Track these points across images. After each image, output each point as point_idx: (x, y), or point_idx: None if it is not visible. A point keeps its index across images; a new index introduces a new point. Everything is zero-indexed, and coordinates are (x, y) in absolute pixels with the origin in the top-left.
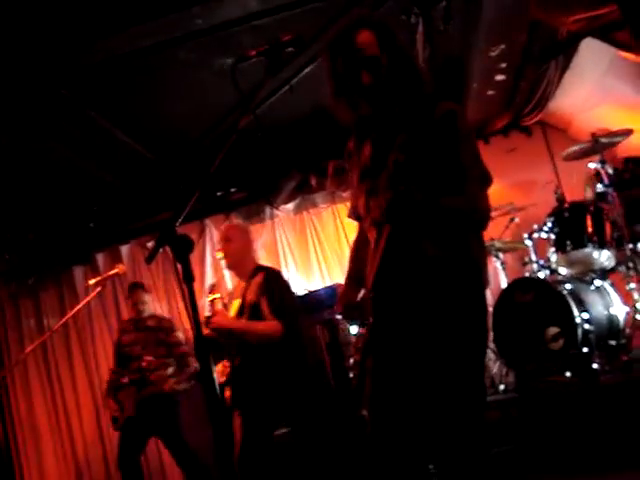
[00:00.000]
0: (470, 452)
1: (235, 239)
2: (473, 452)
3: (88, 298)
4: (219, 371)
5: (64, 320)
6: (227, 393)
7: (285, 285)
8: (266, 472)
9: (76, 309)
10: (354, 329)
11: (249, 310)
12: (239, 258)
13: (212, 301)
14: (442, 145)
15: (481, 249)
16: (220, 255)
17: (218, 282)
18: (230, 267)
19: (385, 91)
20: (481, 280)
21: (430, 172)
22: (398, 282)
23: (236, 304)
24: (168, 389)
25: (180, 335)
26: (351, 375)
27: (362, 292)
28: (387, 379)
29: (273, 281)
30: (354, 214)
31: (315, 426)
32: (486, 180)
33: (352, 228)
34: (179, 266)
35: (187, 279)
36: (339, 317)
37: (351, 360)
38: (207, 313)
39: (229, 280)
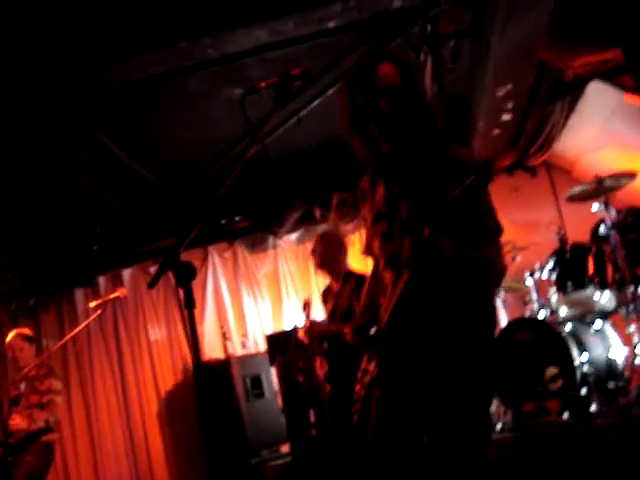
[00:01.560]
0: None
1: (322, 244)
2: None
3: (88, 321)
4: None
5: (63, 342)
6: (327, 387)
7: None
8: None
9: (75, 331)
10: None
11: (343, 313)
12: (326, 259)
13: (308, 304)
14: (458, 195)
15: (493, 298)
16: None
17: (219, 309)
18: (320, 268)
19: (401, 122)
20: (493, 327)
21: (446, 221)
22: (413, 323)
23: (330, 305)
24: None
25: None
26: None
27: (374, 328)
28: (396, 408)
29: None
30: (368, 251)
31: None
32: (499, 231)
33: (355, 261)
34: (181, 292)
35: (188, 305)
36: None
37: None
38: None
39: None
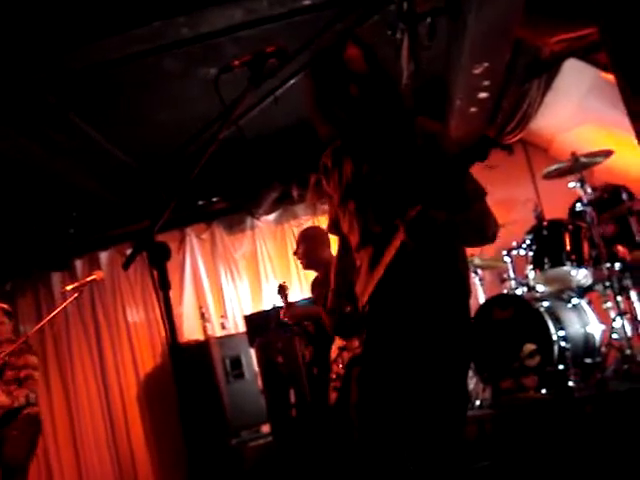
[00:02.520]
0: (450, 459)
1: (303, 242)
2: (453, 459)
3: (65, 304)
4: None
5: (40, 325)
6: (315, 370)
7: None
8: None
9: (52, 315)
10: (338, 342)
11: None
12: (311, 259)
13: (284, 289)
14: (435, 164)
15: (465, 259)
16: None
17: (198, 291)
18: (307, 268)
19: (369, 106)
20: (468, 291)
21: (429, 191)
22: (398, 296)
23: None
24: None
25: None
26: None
27: (348, 308)
28: (378, 385)
29: None
30: (334, 228)
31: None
32: (483, 193)
33: (333, 241)
34: (155, 273)
35: (163, 286)
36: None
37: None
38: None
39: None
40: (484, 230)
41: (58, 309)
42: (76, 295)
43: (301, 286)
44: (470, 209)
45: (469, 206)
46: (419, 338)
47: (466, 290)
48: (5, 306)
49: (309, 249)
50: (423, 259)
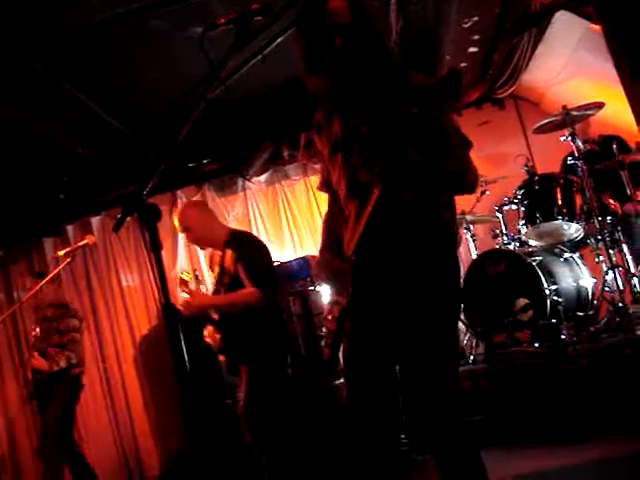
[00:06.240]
0: (449, 413)
1: (190, 217)
2: (452, 413)
3: (58, 269)
4: (208, 336)
5: (33, 291)
6: (222, 358)
7: (258, 248)
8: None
9: (46, 280)
10: (328, 298)
11: (229, 279)
12: (202, 234)
13: (185, 282)
14: (421, 115)
15: (452, 208)
16: (182, 235)
17: (191, 253)
18: (196, 243)
19: (355, 57)
20: (456, 240)
21: (411, 140)
22: (383, 245)
23: (216, 271)
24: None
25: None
26: (323, 344)
27: (337, 261)
28: (367, 339)
29: (246, 247)
30: (325, 186)
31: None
32: (467, 144)
33: (324, 200)
34: (147, 234)
35: (154, 247)
36: (316, 287)
37: (324, 329)
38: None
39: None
40: (463, 179)
41: (52, 274)
42: (69, 260)
43: (294, 246)
44: (450, 157)
45: (450, 154)
46: (406, 288)
47: (452, 238)
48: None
49: (196, 224)
50: (405, 206)
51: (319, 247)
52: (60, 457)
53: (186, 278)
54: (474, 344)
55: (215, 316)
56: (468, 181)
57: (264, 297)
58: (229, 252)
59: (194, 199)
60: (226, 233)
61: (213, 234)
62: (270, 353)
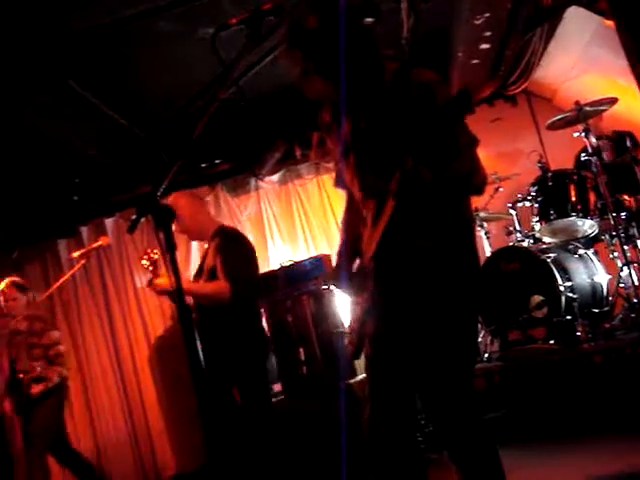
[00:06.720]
0: (466, 411)
1: (179, 206)
2: (469, 411)
3: (72, 271)
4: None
5: (49, 292)
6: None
7: (242, 246)
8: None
9: (61, 281)
10: (348, 299)
11: (208, 273)
12: (190, 224)
13: (154, 262)
14: (428, 116)
15: (470, 208)
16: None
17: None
18: (185, 233)
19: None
20: (475, 250)
21: (420, 143)
22: (400, 253)
23: (198, 263)
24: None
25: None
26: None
27: (357, 262)
28: (388, 343)
29: (229, 243)
30: (341, 183)
31: (260, 392)
32: (474, 142)
33: (337, 199)
34: (161, 235)
35: (170, 248)
36: (332, 287)
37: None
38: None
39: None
40: (470, 180)
41: (66, 275)
42: (83, 262)
43: (307, 246)
44: (463, 155)
45: (461, 153)
46: (424, 290)
47: (472, 237)
48: (17, 279)
49: (186, 214)
50: (424, 211)
51: (338, 247)
52: (43, 464)
53: (154, 257)
54: (489, 341)
55: (194, 315)
56: (477, 181)
57: (233, 293)
58: (213, 244)
59: (207, 199)
60: (215, 227)
61: (202, 226)
62: (247, 356)
